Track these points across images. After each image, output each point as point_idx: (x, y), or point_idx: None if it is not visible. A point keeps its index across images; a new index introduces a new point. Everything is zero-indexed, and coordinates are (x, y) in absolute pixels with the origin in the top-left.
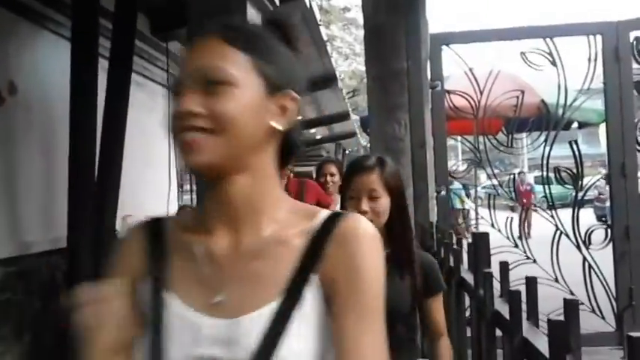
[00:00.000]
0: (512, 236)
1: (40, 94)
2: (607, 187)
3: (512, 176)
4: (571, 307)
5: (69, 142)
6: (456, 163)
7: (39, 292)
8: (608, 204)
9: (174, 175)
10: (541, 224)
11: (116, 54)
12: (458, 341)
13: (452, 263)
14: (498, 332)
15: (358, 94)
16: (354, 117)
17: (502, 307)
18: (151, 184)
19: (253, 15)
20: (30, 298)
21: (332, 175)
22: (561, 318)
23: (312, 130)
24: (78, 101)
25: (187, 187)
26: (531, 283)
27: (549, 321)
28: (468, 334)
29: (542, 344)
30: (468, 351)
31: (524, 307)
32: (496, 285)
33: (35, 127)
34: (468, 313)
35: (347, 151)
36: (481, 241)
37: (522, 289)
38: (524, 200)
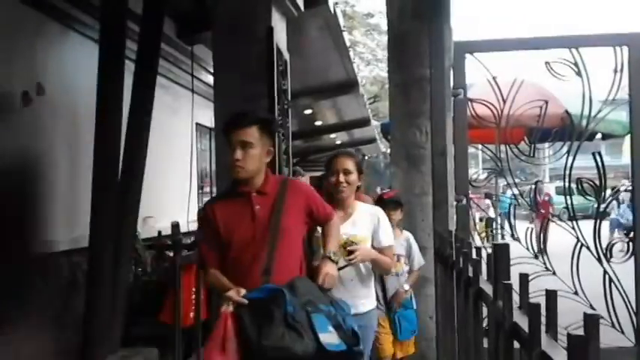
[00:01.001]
0: (532, 247)
1: (67, 95)
2: (614, 202)
3: (532, 186)
4: (591, 322)
5: (94, 142)
6: (477, 171)
7: (59, 290)
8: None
9: (195, 177)
10: (561, 236)
11: (142, 56)
12: (475, 352)
13: (470, 273)
14: (516, 344)
15: (379, 100)
16: (375, 123)
17: (521, 320)
18: (172, 185)
19: (277, 20)
20: (50, 295)
21: (347, 172)
22: (580, 331)
23: (332, 135)
24: (104, 102)
25: (207, 188)
26: (551, 296)
27: (569, 336)
28: (485, 345)
29: (561, 358)
30: None
31: (543, 319)
32: (514, 297)
33: (61, 127)
34: (485, 324)
35: (367, 157)
36: (501, 253)
37: (541, 300)
38: (542, 211)
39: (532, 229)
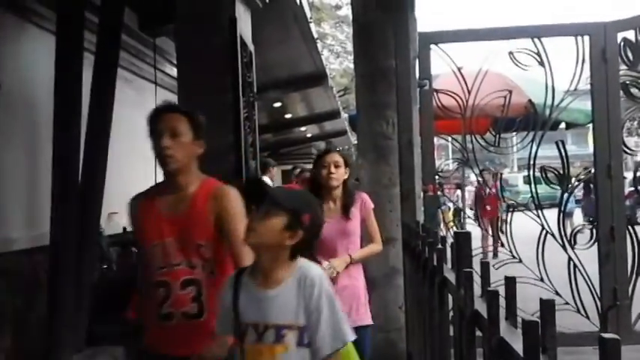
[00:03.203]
0: (501, 233)
1: (25, 90)
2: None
3: (499, 175)
4: (547, 307)
5: (53, 137)
6: (445, 162)
7: (21, 289)
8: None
9: (160, 171)
10: (527, 222)
11: (102, 49)
12: (440, 340)
13: (435, 262)
14: (479, 332)
15: (349, 92)
16: (345, 115)
17: (481, 307)
18: (137, 180)
19: (242, 11)
20: (12, 295)
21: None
22: None
23: (303, 128)
24: (62, 97)
25: None
26: (510, 283)
27: (524, 321)
28: (451, 333)
29: (518, 344)
30: (450, 350)
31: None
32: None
33: (19, 123)
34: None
35: (338, 149)
36: (463, 241)
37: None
38: (488, 208)
39: (498, 217)
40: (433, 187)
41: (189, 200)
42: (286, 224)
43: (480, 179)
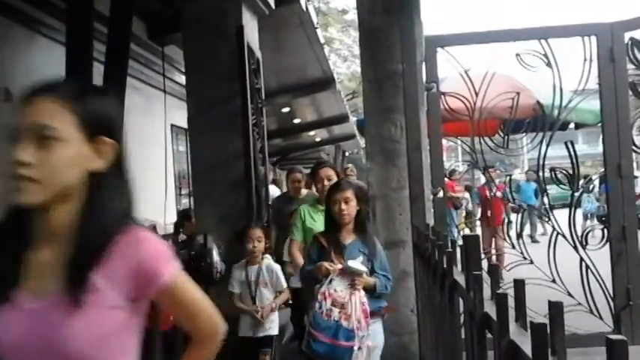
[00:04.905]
0: (509, 237)
1: None
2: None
3: (508, 177)
4: (555, 309)
5: None
6: (452, 164)
7: None
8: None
9: (171, 179)
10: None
11: (112, 58)
12: (452, 343)
13: (445, 265)
14: (489, 335)
15: (357, 96)
16: (354, 119)
17: (491, 310)
18: (148, 188)
19: (248, 19)
20: None
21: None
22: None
23: (312, 133)
24: None
25: (186, 191)
26: (519, 285)
27: (532, 323)
28: (463, 336)
29: (528, 346)
30: (462, 353)
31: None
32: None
33: None
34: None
35: (347, 153)
36: (472, 243)
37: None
38: (490, 213)
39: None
40: (466, 188)
41: None
42: None
43: (488, 178)
